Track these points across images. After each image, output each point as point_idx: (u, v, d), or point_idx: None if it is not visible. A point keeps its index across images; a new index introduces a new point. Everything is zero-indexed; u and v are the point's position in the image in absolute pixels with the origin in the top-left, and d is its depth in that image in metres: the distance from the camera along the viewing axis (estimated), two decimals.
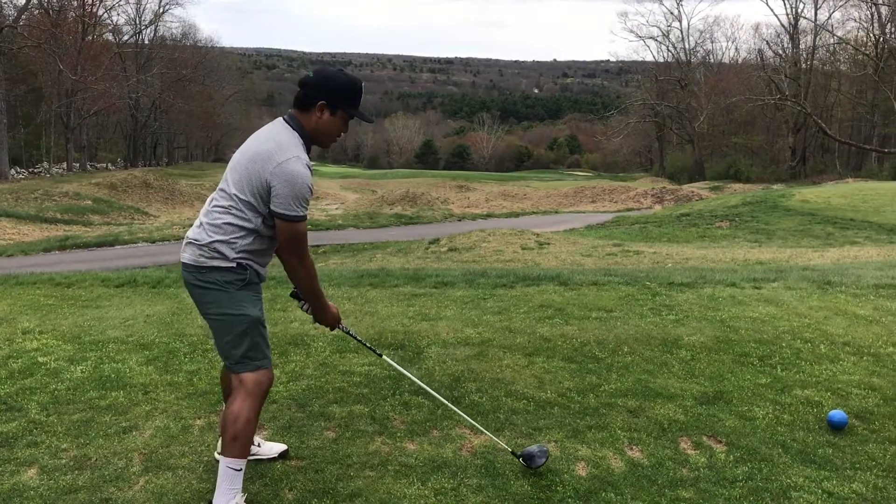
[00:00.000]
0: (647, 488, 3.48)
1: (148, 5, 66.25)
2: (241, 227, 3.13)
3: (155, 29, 64.84)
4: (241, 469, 3.18)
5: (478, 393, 4.53)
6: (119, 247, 21.75)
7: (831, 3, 57.53)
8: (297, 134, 3.17)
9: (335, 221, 29.99)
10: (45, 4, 47.74)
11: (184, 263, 3.21)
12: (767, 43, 65.53)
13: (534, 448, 3.66)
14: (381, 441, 3.91)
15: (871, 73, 54.30)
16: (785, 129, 61.61)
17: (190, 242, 3.20)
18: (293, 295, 3.51)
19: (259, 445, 3.71)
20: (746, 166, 57.39)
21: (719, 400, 4.48)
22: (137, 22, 62.14)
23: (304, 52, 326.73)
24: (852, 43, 57.50)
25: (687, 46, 73.42)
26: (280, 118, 3.27)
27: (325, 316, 3.46)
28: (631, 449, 3.88)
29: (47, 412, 4.27)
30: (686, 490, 3.46)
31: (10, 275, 9.26)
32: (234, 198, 3.12)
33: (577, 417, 4.22)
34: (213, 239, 3.13)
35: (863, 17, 56.83)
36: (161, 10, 62.74)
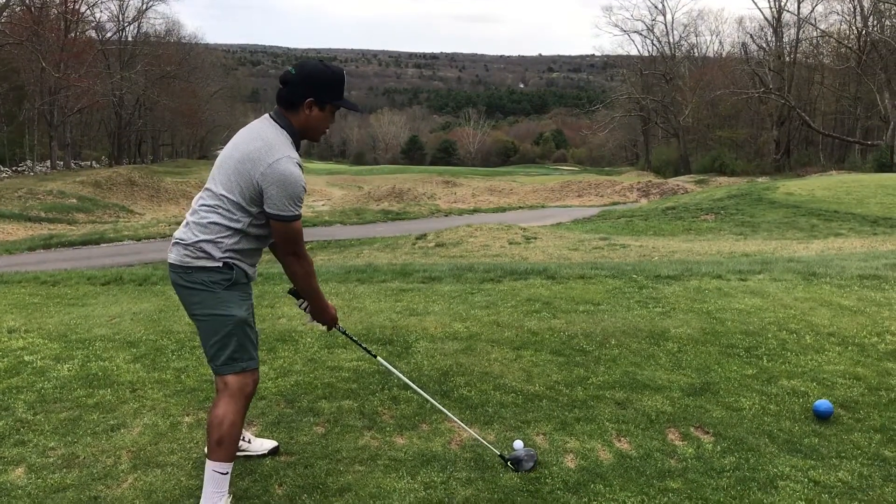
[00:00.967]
0: (635, 479, 3.50)
1: (131, 2, 66.12)
2: (228, 227, 3.10)
3: (138, 26, 64.23)
4: (227, 473, 3.16)
5: (466, 387, 4.54)
6: (104, 245, 21.63)
7: None
8: (285, 132, 3.14)
9: (322, 218, 29.90)
10: (27, 1, 47.17)
11: (170, 264, 3.19)
12: (751, 36, 65.87)
13: (521, 452, 3.66)
14: (370, 436, 3.91)
15: (853, 66, 54.69)
16: (769, 123, 61.86)
17: (176, 243, 3.17)
18: (291, 293, 3.49)
19: (249, 442, 3.70)
20: (731, 159, 57.62)
21: (706, 391, 4.51)
22: (120, 19, 61.55)
23: (288, 48, 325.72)
24: (835, 36, 57.85)
25: (671, 40, 73.62)
26: (266, 115, 3.23)
27: (324, 315, 3.46)
28: (619, 440, 3.90)
29: (34, 411, 4.24)
30: (674, 481, 3.48)
31: None
32: (222, 198, 3.09)
33: (565, 410, 4.24)
34: (198, 238, 3.10)
35: (845, 10, 57.19)
36: (144, 7, 62.27)
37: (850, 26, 57.51)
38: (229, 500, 3.18)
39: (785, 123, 60.52)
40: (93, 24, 58.20)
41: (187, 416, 4.18)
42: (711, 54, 75.33)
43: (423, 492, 3.37)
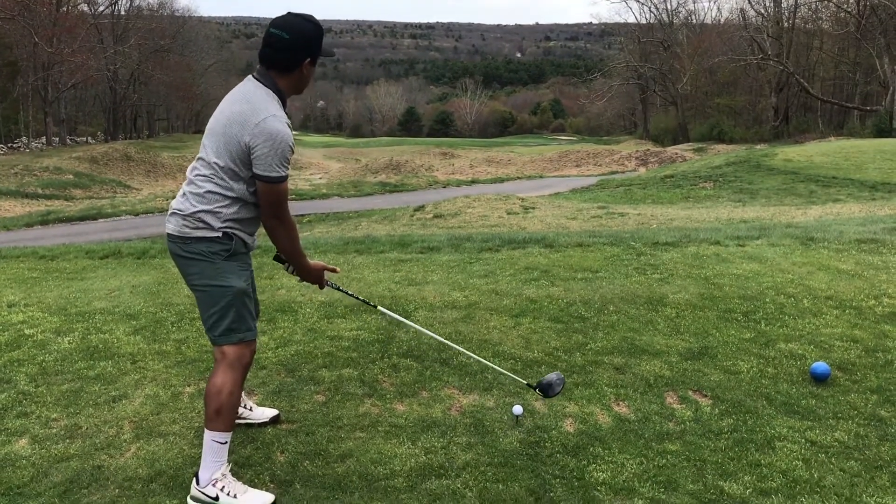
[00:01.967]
0: (634, 442, 3.53)
1: None
2: (225, 196, 3.08)
3: None
4: (226, 442, 3.17)
5: (466, 354, 4.56)
6: (102, 220, 21.63)
7: None
8: (270, 91, 3.10)
9: (319, 191, 29.86)
10: None
11: (168, 234, 3.17)
12: (749, 2, 65.07)
13: (552, 376, 3.78)
14: (370, 403, 3.94)
15: (852, 31, 54.26)
16: (767, 89, 61.54)
17: (174, 213, 3.15)
18: (276, 258, 3.43)
19: (251, 410, 3.73)
20: (730, 127, 57.45)
21: (704, 355, 4.53)
22: None
23: None
24: (834, 0, 57.33)
25: (669, 7, 73.15)
26: (250, 76, 3.18)
27: (310, 276, 3.41)
28: (618, 404, 3.93)
29: (36, 383, 4.27)
30: (672, 443, 3.52)
31: None
32: (215, 166, 3.06)
33: (564, 375, 4.26)
34: (197, 209, 3.08)
35: None
36: None
37: None
38: (228, 468, 3.20)
39: (783, 90, 60.22)
40: None
41: (188, 386, 4.21)
42: (709, 21, 74.96)
43: (424, 457, 3.40)
